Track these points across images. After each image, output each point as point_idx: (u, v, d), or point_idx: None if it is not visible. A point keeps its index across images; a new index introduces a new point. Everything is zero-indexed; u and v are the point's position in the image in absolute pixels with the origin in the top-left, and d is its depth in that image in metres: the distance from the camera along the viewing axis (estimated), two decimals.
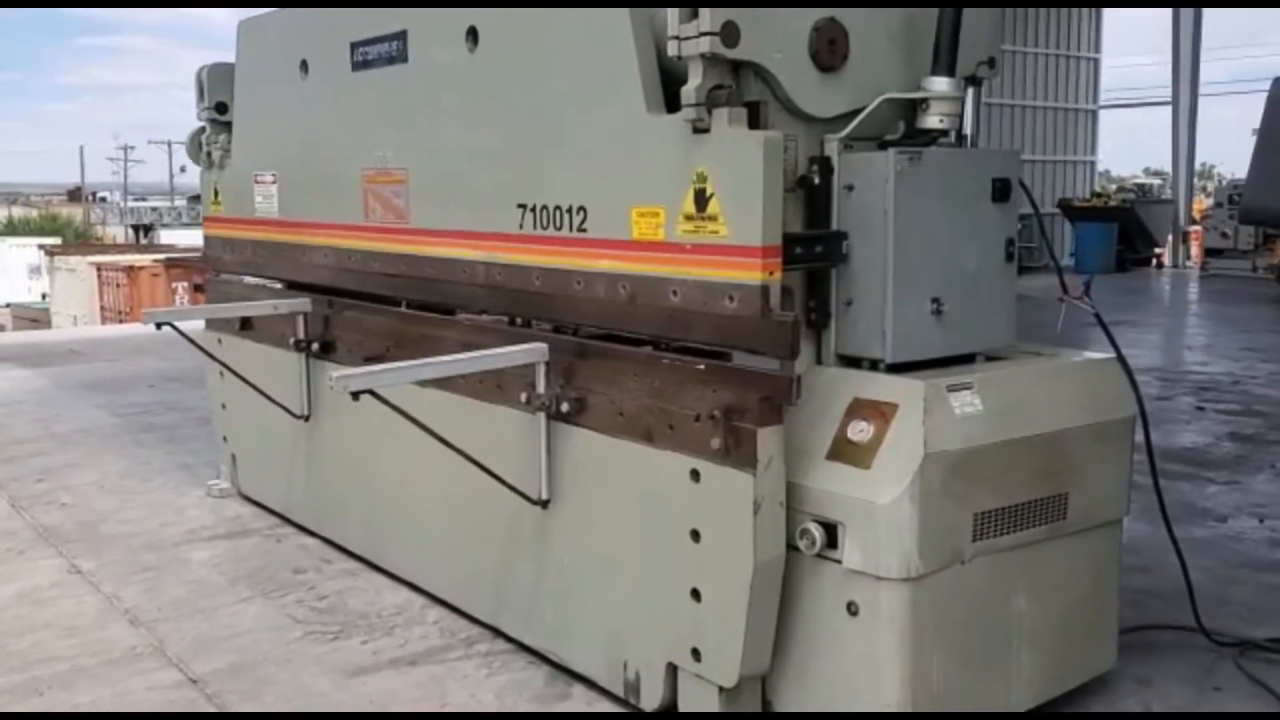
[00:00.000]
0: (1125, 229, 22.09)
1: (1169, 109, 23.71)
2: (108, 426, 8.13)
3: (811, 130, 3.42)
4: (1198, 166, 32.14)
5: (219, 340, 6.16)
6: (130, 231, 62.37)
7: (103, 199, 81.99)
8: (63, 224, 63.01)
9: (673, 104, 3.32)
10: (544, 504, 3.90)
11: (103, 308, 26.56)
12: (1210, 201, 24.13)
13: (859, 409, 3.30)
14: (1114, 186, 24.66)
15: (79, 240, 51.41)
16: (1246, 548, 5.50)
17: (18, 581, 5.01)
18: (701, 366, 3.35)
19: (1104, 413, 3.59)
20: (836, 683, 3.31)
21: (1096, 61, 24.66)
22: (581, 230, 3.69)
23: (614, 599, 3.73)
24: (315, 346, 5.25)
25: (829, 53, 3.34)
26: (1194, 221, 23.84)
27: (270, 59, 5.46)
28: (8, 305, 33.81)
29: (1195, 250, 23.69)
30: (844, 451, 3.26)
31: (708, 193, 3.25)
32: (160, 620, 4.55)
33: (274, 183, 5.56)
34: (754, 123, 3.24)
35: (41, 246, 34.18)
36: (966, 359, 3.53)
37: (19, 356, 11.56)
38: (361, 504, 5.08)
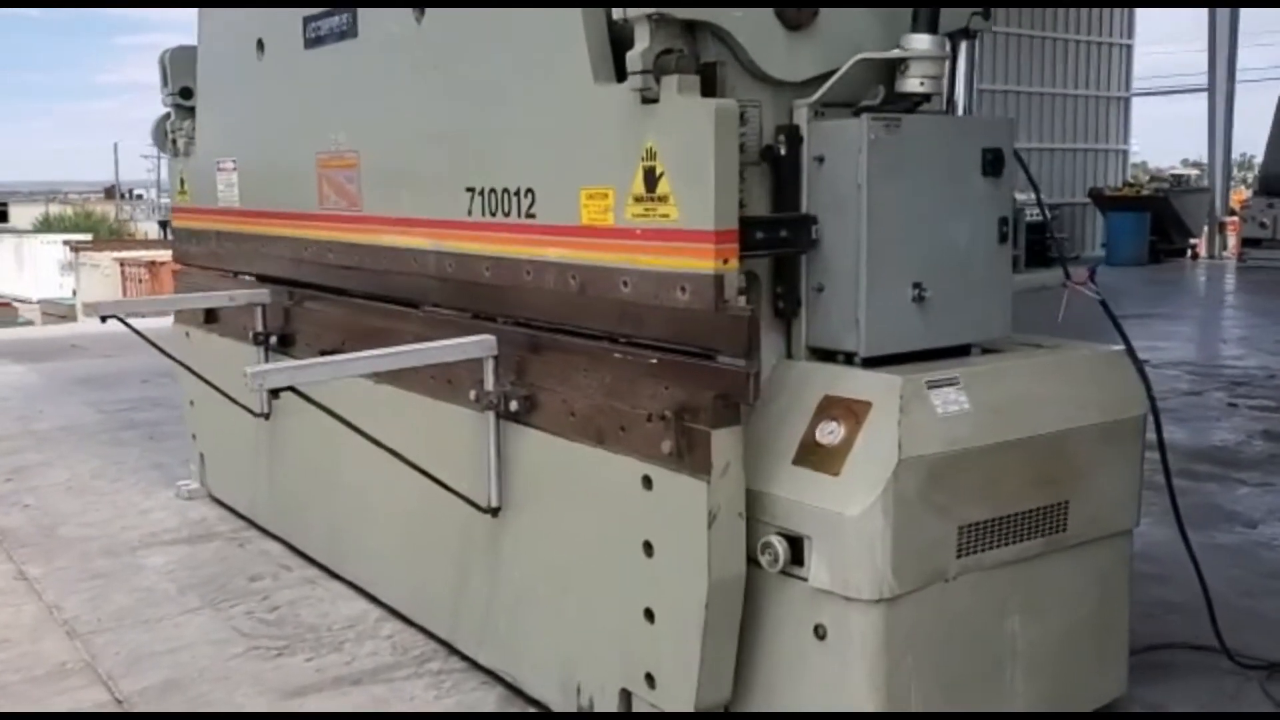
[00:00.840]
0: (1159, 219, 21.46)
1: (1205, 98, 23.08)
2: (90, 424, 7.88)
3: (779, 96, 3.06)
4: (1236, 157, 31.42)
5: (187, 334, 5.88)
6: (160, 228, 62.66)
7: (138, 196, 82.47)
8: (97, 221, 63.40)
9: (623, 73, 2.96)
10: (493, 512, 3.56)
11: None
12: (1249, 191, 23.46)
13: (829, 408, 2.94)
14: (1147, 176, 23.99)
15: (112, 237, 51.61)
16: (1278, 556, 5.08)
17: None
18: (654, 360, 2.99)
19: (1111, 411, 3.20)
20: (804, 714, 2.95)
21: (1129, 48, 24.02)
22: (530, 215, 3.35)
23: (566, 617, 3.39)
24: (274, 340, 4.93)
25: (796, 9, 2.97)
26: (1231, 212, 23.18)
27: (229, 39, 5.16)
28: (39, 301, 33.94)
29: (1232, 241, 23.01)
30: (812, 456, 2.90)
31: (657, 171, 2.90)
32: (98, 632, 4.26)
33: (234, 170, 5.26)
34: (710, 90, 2.88)
35: (67, 243, 34.23)
36: (956, 352, 3.16)
37: (17, 352, 11.37)
38: (322, 507, 4.77)
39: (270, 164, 4.97)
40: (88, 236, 43.72)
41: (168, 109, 5.88)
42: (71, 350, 11.56)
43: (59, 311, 31.16)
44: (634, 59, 2.84)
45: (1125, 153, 24.79)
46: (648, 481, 3.00)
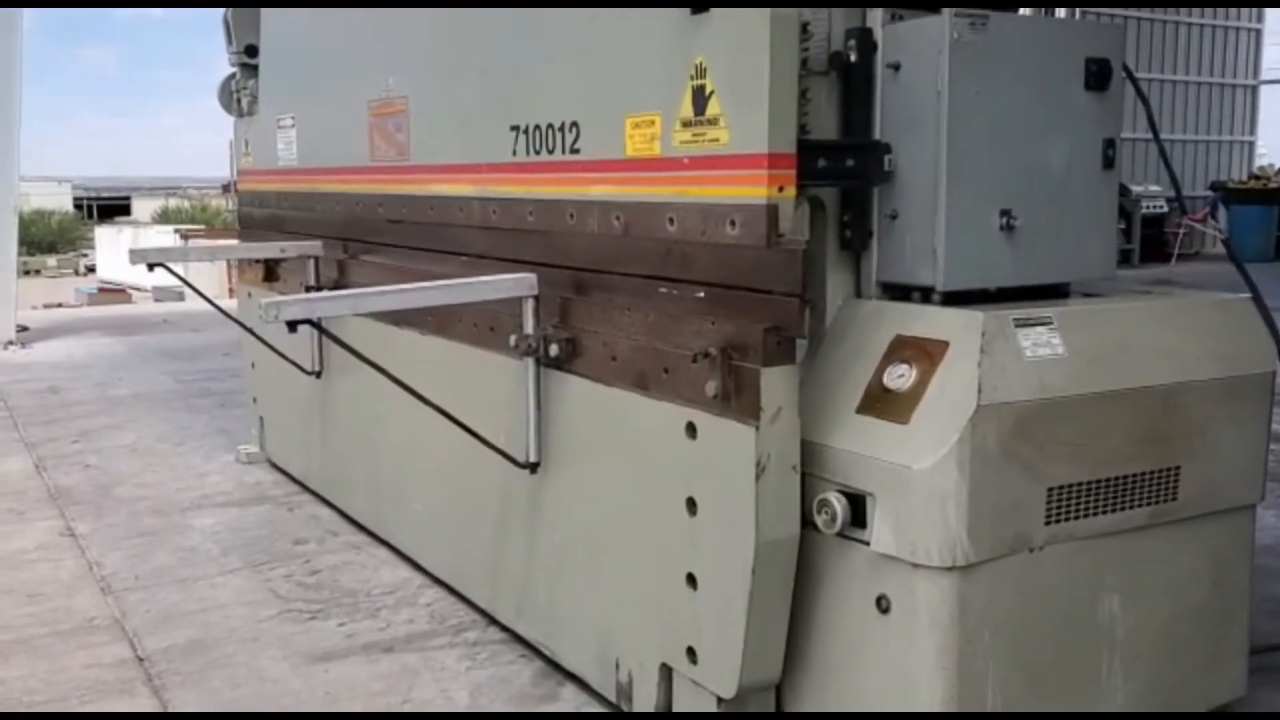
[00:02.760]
0: None
1: None
2: (165, 391, 7.81)
3: None
4: None
5: (249, 294, 5.72)
6: None
7: None
8: (212, 214, 65.19)
9: None
10: (532, 467, 3.26)
11: (231, 288, 27.12)
12: None
13: (901, 349, 2.57)
14: (1276, 168, 22.69)
15: (224, 228, 52.90)
16: None
17: (5, 543, 4.61)
18: (700, 294, 2.66)
19: (1234, 365, 2.77)
20: (865, 699, 2.59)
21: (1259, 33, 22.75)
22: (574, 151, 3.04)
23: (605, 583, 3.07)
24: (326, 292, 4.71)
25: None
26: None
27: None
28: (152, 288, 34.91)
29: None
30: (878, 403, 2.54)
31: (707, 90, 2.56)
32: (133, 589, 4.08)
33: (293, 127, 5.06)
34: None
35: (178, 231, 35.10)
36: (1051, 293, 2.76)
37: (110, 326, 11.47)
38: (368, 470, 4.53)
39: (325, 117, 4.77)
40: (200, 227, 44.84)
41: (233, 68, 5.72)
42: (162, 325, 11.63)
43: (169, 298, 31.98)
44: None
45: (1252, 144, 23.51)
46: (691, 429, 2.67)
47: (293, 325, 2.93)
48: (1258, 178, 21.53)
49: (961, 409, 2.37)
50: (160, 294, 33.14)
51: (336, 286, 4.69)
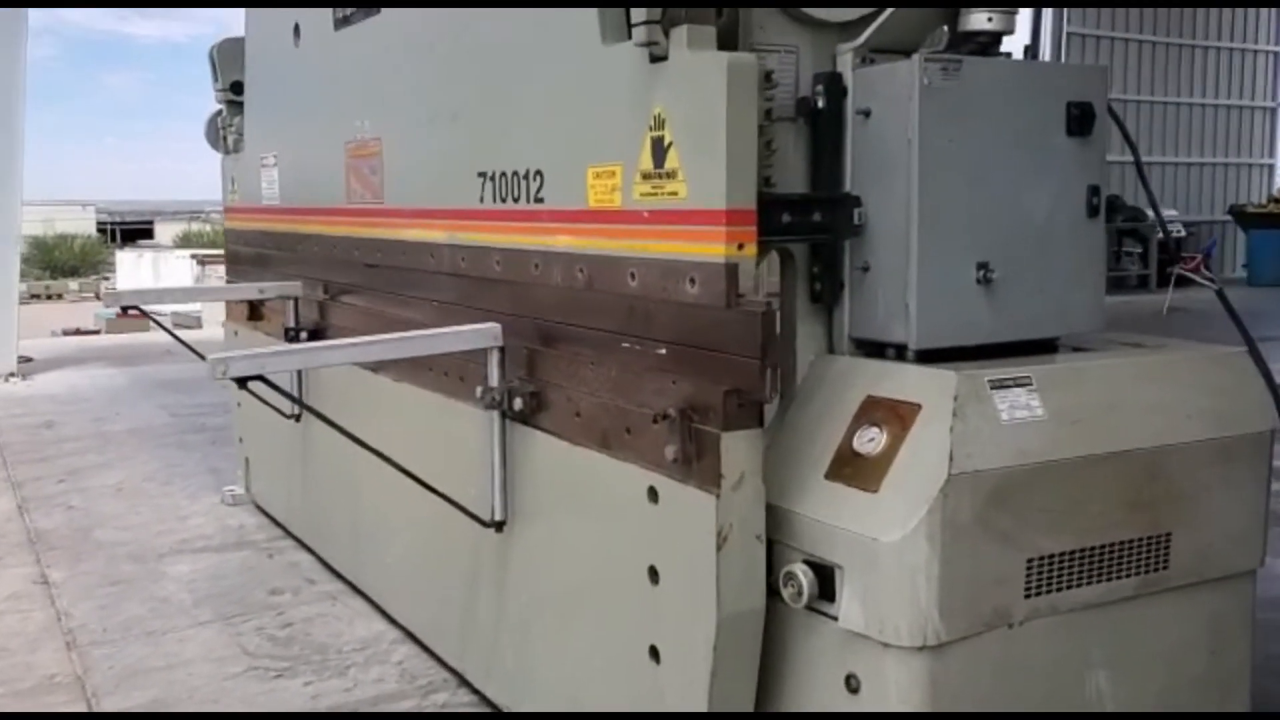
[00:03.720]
0: None
1: None
2: (160, 426, 7.73)
3: (821, 41, 2.59)
4: None
5: (235, 333, 5.63)
6: None
7: None
8: None
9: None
10: (498, 526, 3.13)
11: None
12: None
13: (872, 410, 2.43)
14: None
15: None
16: None
17: None
18: (663, 351, 2.53)
19: (1228, 424, 2.61)
20: None
21: (1278, 55, 22.55)
22: (539, 200, 2.93)
23: (572, 651, 2.93)
24: (304, 335, 4.61)
25: None
26: None
27: (272, 27, 4.88)
28: (170, 314, 34.95)
29: None
30: (847, 468, 2.40)
31: (666, 141, 2.44)
32: (99, 643, 3.96)
33: (275, 165, 4.98)
34: (730, 42, 2.42)
35: (194, 256, 35.19)
36: (1035, 348, 2.62)
37: (114, 356, 11.42)
38: (345, 517, 4.40)
39: (304, 157, 4.68)
40: (218, 252, 44.98)
41: (219, 105, 5.65)
42: (165, 355, 11.57)
43: (187, 323, 31.97)
44: (638, 9, 2.39)
45: (1271, 167, 23.26)
46: (653, 494, 2.54)
47: (242, 382, 2.81)
48: (1278, 201, 21.27)
49: (932, 477, 2.23)
50: (179, 318, 33.28)
51: (316, 329, 4.59)
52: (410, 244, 3.70)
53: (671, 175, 2.43)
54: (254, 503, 5.60)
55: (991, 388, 2.34)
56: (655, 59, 2.43)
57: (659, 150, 2.46)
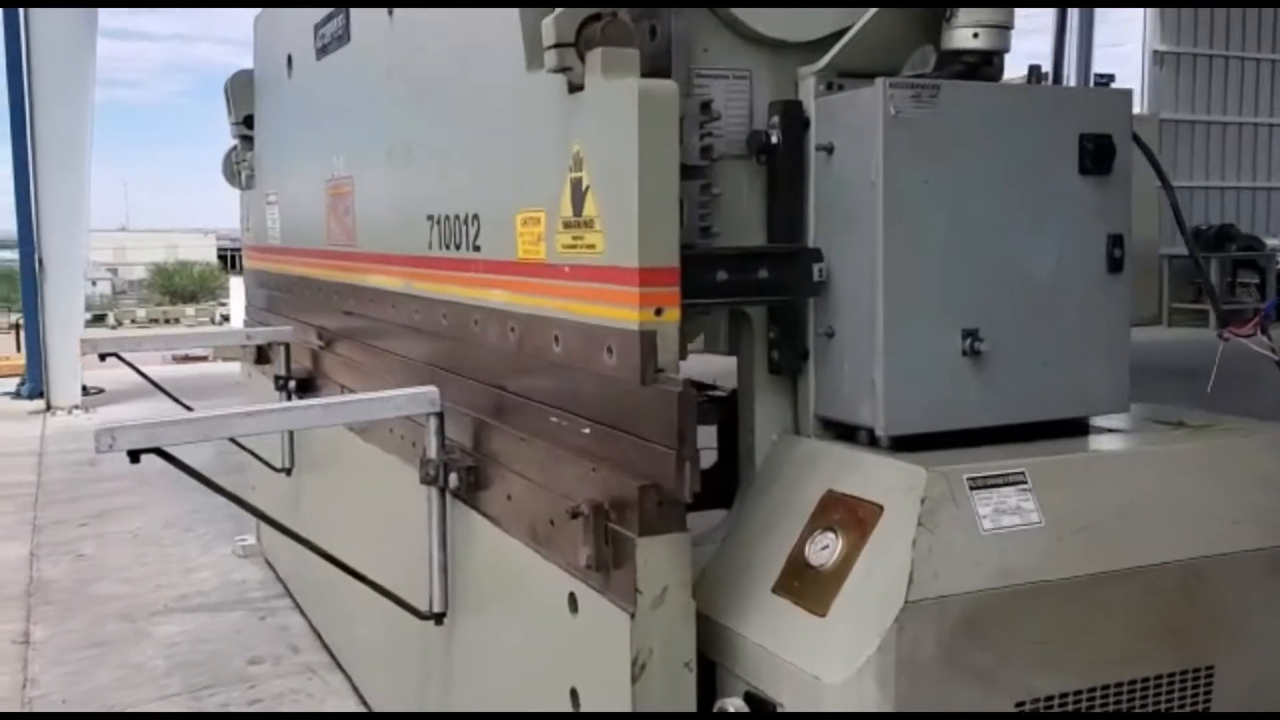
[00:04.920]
0: None
1: None
2: (199, 465, 7.54)
3: (780, 63, 2.17)
4: None
5: (249, 375, 5.40)
6: None
7: None
8: None
9: None
10: (438, 619, 2.75)
11: None
12: None
13: (830, 510, 2.00)
14: None
15: None
16: None
17: None
18: (587, 430, 2.13)
19: None
20: None
21: None
22: (476, 249, 2.58)
23: None
24: (292, 384, 4.32)
25: None
26: None
27: (270, 57, 4.64)
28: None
29: None
30: (797, 581, 1.96)
31: (584, 184, 2.06)
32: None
33: (275, 203, 4.73)
34: (664, 66, 2.03)
35: None
36: (1046, 431, 2.15)
37: (186, 388, 11.38)
38: (329, 581, 4.08)
39: (295, 195, 4.42)
40: None
41: (235, 140, 5.44)
42: (234, 388, 11.52)
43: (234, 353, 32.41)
44: (548, 28, 2.01)
45: None
46: (573, 602, 2.13)
47: (134, 456, 2.49)
48: None
49: (887, 603, 1.78)
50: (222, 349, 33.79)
51: (309, 377, 4.29)
52: (376, 291, 3.38)
53: (589, 225, 2.04)
54: (264, 556, 5.33)
55: (972, 487, 1.89)
56: (573, 88, 2.05)
57: (578, 195, 2.07)
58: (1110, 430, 2.23)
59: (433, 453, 2.68)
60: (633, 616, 1.92)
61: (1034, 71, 2.17)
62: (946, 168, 1.99)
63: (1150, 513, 2.01)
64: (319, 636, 4.28)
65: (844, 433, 2.15)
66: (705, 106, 2.03)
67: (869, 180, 1.97)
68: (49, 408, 10.27)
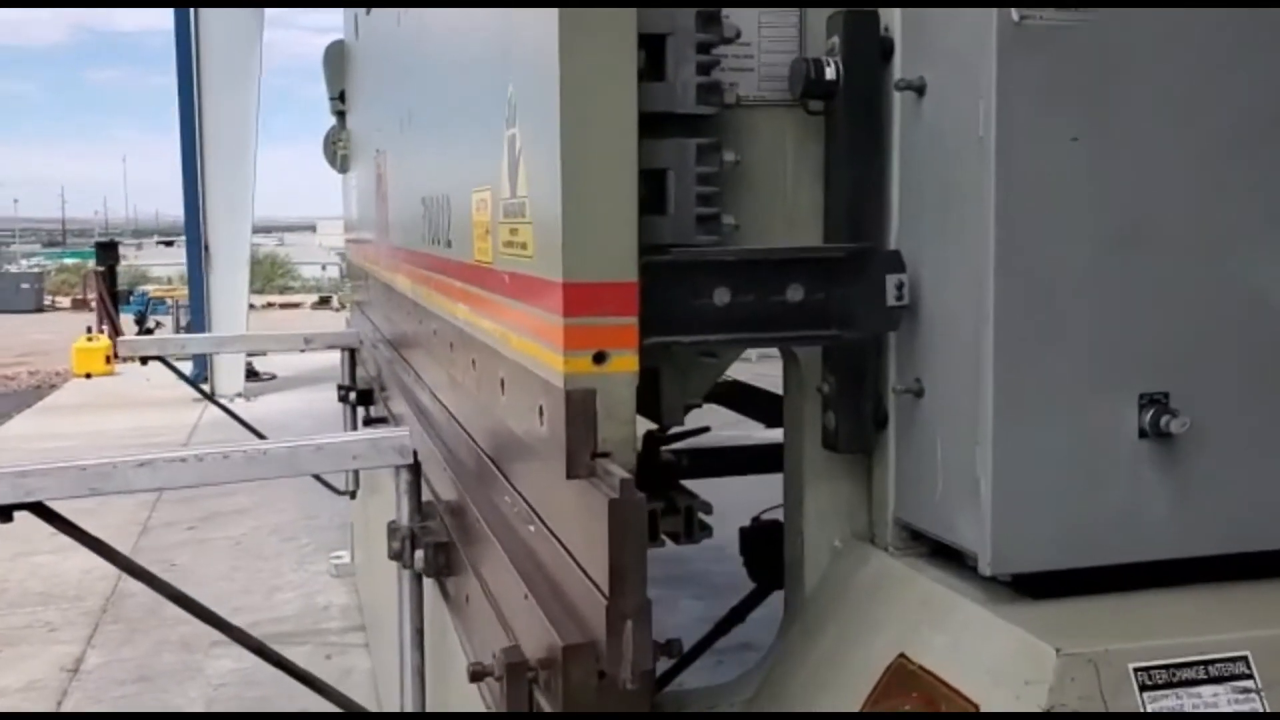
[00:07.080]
0: None
1: None
2: None
3: None
4: None
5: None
6: None
7: None
8: None
9: None
10: None
11: None
12: None
13: (899, 687, 1.20)
14: None
15: None
16: None
17: (3, 675, 3.95)
18: (532, 529, 1.39)
19: None
20: None
21: None
22: (448, 243, 1.88)
23: None
24: (353, 396, 3.75)
25: None
26: None
27: (359, 22, 4.07)
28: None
29: None
30: None
31: (517, 146, 1.32)
32: None
33: (354, 187, 4.19)
34: None
35: None
36: (1254, 568, 1.28)
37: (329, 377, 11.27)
38: (386, 622, 3.50)
39: (356, 178, 3.84)
40: None
41: (334, 116, 4.92)
42: None
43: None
44: None
45: None
46: None
47: (5, 514, 1.91)
48: None
49: None
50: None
51: (368, 388, 3.72)
52: (401, 296, 2.74)
53: (521, 211, 1.30)
54: (356, 578, 4.83)
55: (1144, 685, 1.06)
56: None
57: (513, 163, 1.34)
58: None
59: (403, 519, 2.00)
60: None
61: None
62: (1111, 118, 1.15)
63: None
64: (375, 684, 3.71)
65: (940, 544, 1.34)
66: (710, 20, 1.25)
67: (974, 137, 1.15)
68: (211, 395, 10.25)
